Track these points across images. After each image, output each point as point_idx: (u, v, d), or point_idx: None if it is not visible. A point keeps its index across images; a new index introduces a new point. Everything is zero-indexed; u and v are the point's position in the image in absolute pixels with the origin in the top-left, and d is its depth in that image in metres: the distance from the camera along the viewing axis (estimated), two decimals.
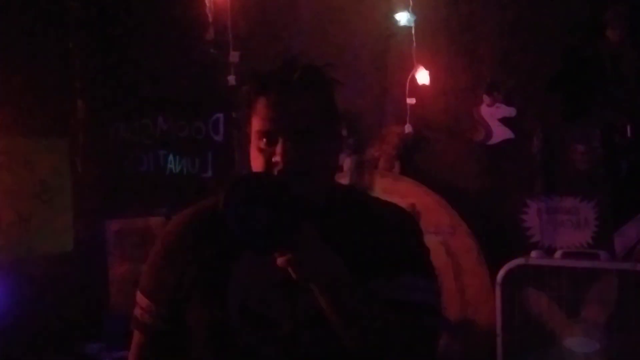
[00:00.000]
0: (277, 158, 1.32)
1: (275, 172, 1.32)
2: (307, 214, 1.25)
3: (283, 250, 1.24)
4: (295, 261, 1.24)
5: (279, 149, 1.32)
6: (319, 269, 1.26)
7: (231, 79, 3.22)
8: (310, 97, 1.36)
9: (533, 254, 2.86)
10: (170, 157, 3.51)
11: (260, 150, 1.36)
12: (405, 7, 3.14)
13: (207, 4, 3.23)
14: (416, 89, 3.20)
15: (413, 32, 3.14)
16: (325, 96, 1.39)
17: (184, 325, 1.44)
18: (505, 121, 3.17)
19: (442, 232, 3.06)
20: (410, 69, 3.18)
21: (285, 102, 1.34)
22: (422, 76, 3.18)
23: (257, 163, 1.37)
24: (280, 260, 1.25)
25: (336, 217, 1.39)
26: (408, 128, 3.22)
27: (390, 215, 1.46)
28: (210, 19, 3.25)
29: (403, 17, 3.15)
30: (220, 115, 3.57)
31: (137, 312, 1.51)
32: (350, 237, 1.36)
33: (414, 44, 3.15)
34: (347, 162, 3.24)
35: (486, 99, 3.18)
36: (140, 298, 1.51)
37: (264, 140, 1.35)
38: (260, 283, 1.38)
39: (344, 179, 3.07)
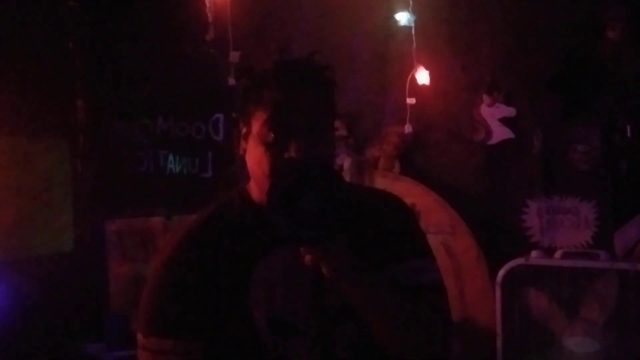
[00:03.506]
0: (291, 153, 1.27)
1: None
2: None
3: (324, 241, 1.18)
4: (327, 255, 1.20)
5: (293, 144, 1.27)
6: (349, 261, 1.23)
7: (231, 79, 3.22)
8: (320, 93, 1.34)
9: (533, 254, 2.86)
10: (170, 157, 3.51)
11: (267, 145, 1.30)
12: (405, 7, 3.14)
13: (207, 4, 3.23)
14: (416, 89, 3.20)
15: (413, 32, 3.14)
16: (331, 94, 1.38)
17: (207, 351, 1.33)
18: (505, 121, 3.17)
19: (442, 232, 3.06)
20: (410, 69, 3.18)
21: (299, 96, 1.31)
22: (422, 76, 3.18)
23: (263, 159, 1.30)
24: (309, 258, 1.20)
25: None
26: (408, 128, 3.22)
27: (383, 202, 1.45)
28: (210, 19, 3.25)
29: (403, 17, 3.15)
30: (220, 115, 3.56)
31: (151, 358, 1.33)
32: (349, 228, 1.32)
33: (414, 44, 3.15)
34: (347, 162, 3.24)
35: (486, 99, 3.18)
36: (151, 340, 1.33)
37: (272, 134, 1.29)
38: (283, 289, 1.33)
39: None
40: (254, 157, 1.33)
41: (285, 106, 1.30)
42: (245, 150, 1.36)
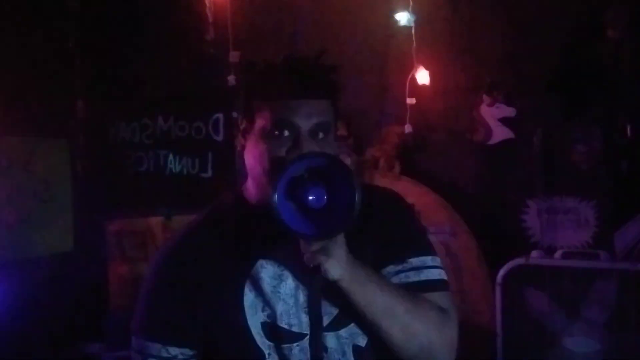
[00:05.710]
0: (293, 151, 1.25)
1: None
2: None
3: (329, 237, 1.15)
4: (327, 253, 1.17)
5: (295, 141, 1.26)
6: (348, 260, 1.21)
7: (231, 79, 3.22)
8: (324, 94, 1.33)
9: (533, 254, 2.86)
10: (170, 157, 3.51)
11: (269, 141, 1.27)
12: (405, 7, 3.14)
13: (207, 4, 3.23)
14: (416, 89, 3.20)
15: (413, 32, 3.14)
16: (335, 96, 1.36)
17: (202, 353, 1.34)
18: (505, 121, 3.17)
19: (442, 232, 3.06)
20: (410, 69, 3.18)
21: (305, 94, 1.29)
22: (422, 76, 3.18)
23: (264, 156, 1.27)
24: (309, 256, 1.17)
25: None
26: (408, 128, 3.22)
27: (382, 200, 1.43)
28: (210, 19, 3.25)
29: (403, 17, 3.15)
30: (220, 115, 3.56)
31: None
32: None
33: (414, 44, 3.15)
34: (347, 162, 3.24)
35: (486, 99, 3.18)
36: (143, 343, 1.34)
37: (276, 131, 1.27)
38: (280, 293, 1.31)
39: None
40: (254, 153, 1.31)
41: (291, 103, 1.28)
42: (244, 147, 1.34)
